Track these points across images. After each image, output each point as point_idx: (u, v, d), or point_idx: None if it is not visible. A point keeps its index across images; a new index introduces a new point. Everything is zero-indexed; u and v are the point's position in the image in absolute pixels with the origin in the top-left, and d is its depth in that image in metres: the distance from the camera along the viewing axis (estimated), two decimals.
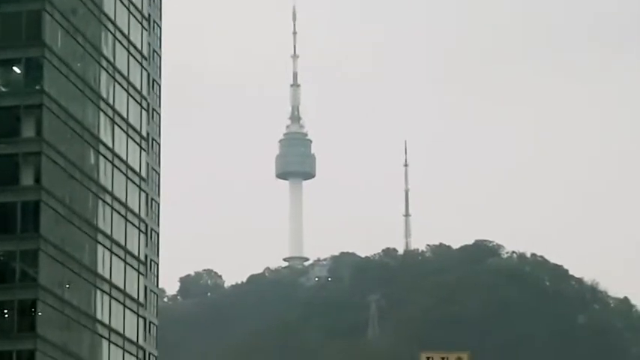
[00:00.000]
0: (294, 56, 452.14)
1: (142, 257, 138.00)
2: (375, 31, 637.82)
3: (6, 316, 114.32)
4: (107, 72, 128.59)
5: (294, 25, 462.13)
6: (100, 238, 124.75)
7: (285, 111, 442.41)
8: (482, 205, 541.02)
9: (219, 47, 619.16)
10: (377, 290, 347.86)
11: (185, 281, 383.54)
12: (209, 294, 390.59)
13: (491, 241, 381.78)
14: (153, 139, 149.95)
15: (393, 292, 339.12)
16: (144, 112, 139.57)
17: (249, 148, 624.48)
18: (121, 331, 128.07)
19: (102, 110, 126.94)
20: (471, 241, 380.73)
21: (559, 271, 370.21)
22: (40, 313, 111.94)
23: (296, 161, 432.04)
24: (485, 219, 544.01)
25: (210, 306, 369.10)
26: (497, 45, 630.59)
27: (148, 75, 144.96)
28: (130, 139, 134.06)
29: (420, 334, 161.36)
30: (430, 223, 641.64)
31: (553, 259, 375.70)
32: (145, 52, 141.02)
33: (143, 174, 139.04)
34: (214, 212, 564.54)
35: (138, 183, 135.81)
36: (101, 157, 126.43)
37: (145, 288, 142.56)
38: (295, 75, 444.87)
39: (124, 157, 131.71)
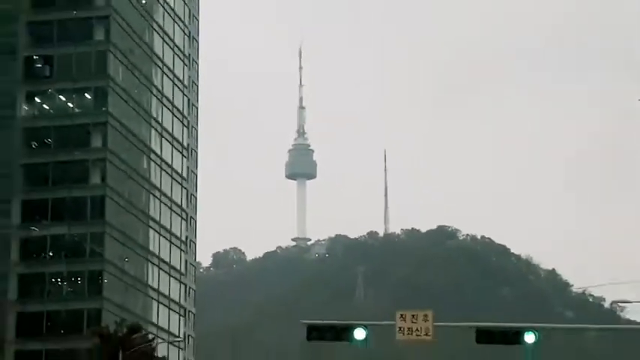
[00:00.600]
0: (300, 85, 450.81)
1: (183, 238, 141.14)
2: (365, 60, 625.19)
3: (79, 282, 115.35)
4: (157, 98, 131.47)
5: (300, 60, 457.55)
6: (151, 223, 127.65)
7: (293, 128, 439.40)
8: (444, 198, 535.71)
9: (244, 79, 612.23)
10: (363, 264, 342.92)
11: (216, 256, 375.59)
12: (234, 266, 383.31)
13: (450, 226, 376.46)
14: (192, 149, 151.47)
15: (375, 266, 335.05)
16: (184, 128, 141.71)
17: (266, 156, 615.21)
18: (167, 294, 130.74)
19: (152, 127, 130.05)
20: (434, 226, 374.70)
21: (502, 250, 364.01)
22: (105, 281, 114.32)
23: (301, 166, 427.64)
24: (446, 209, 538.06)
25: (235, 275, 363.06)
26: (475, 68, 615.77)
27: (188, 100, 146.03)
28: (174, 149, 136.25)
29: (396, 297, 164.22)
30: (403, 212, 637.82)
31: (497, 239, 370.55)
32: (185, 82, 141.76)
33: (184, 175, 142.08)
34: (239, 204, 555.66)
35: (180, 182, 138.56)
36: (152, 163, 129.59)
37: (186, 261, 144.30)
38: (301, 100, 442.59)
39: (170, 162, 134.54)
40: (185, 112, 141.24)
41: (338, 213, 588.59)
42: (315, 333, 40.68)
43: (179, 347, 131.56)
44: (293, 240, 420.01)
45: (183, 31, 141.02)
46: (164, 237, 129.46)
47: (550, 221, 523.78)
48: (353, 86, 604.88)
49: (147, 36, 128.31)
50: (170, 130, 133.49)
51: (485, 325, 42.08)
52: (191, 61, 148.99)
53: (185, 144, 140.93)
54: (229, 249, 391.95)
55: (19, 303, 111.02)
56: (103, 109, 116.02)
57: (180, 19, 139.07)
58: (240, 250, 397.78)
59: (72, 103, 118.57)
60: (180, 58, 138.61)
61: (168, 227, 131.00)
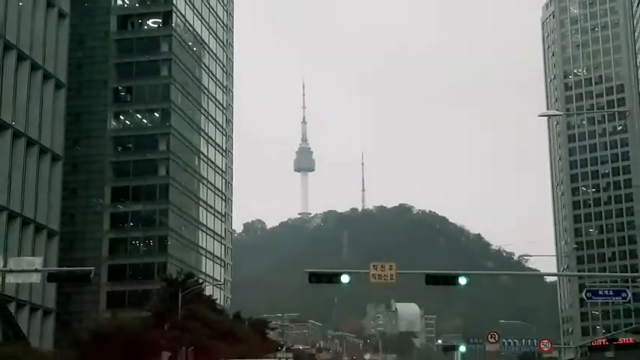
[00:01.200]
0: (304, 107, 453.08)
1: (223, 212, 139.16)
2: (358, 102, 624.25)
3: (151, 244, 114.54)
4: (204, 115, 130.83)
5: (303, 88, 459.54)
6: (201, 203, 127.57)
7: (299, 136, 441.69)
8: (403, 183, 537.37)
9: (262, 103, 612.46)
10: (347, 230, 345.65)
11: (246, 226, 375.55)
12: (258, 232, 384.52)
13: (408, 204, 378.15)
14: (228, 150, 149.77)
15: (355, 232, 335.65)
16: (223, 136, 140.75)
17: (280, 156, 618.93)
18: (212, 252, 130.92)
19: (201, 136, 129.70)
20: (397, 204, 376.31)
21: (444, 220, 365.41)
22: (169, 243, 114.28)
23: (304, 162, 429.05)
24: (405, 191, 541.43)
25: (259, 238, 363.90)
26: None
27: (226, 117, 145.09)
28: (216, 151, 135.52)
29: (370, 254, 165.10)
30: (375, 194, 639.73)
31: (440, 213, 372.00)
32: (224, 105, 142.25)
33: (223, 169, 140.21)
34: (262, 189, 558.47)
35: (220, 173, 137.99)
36: (201, 161, 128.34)
37: (225, 229, 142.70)
38: (304, 117, 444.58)
39: (213, 159, 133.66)
40: (224, 125, 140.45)
41: (330, 195, 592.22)
42: (314, 278, 40.93)
43: (221, 288, 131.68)
44: (299, 214, 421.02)
45: (222, 69, 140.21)
46: (209, 212, 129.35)
47: (478, 198, 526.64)
48: (345, 103, 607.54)
49: (197, 72, 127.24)
50: (214, 137, 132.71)
51: (432, 272, 42.31)
52: (227, 89, 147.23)
53: (224, 147, 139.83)
54: (255, 220, 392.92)
55: (109, 258, 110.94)
56: (167, 123, 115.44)
57: (220, 60, 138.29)
58: (262, 221, 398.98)
59: (145, 120, 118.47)
60: (220, 88, 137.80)
61: (213, 205, 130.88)
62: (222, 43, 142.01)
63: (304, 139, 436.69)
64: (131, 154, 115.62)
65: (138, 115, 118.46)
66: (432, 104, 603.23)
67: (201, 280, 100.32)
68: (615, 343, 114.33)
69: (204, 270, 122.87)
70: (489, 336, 67.61)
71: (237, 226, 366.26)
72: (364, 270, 40.25)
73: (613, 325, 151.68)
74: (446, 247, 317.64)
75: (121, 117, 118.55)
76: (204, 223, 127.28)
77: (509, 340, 71.83)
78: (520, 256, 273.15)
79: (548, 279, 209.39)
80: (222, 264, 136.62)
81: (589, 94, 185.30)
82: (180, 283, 79.27)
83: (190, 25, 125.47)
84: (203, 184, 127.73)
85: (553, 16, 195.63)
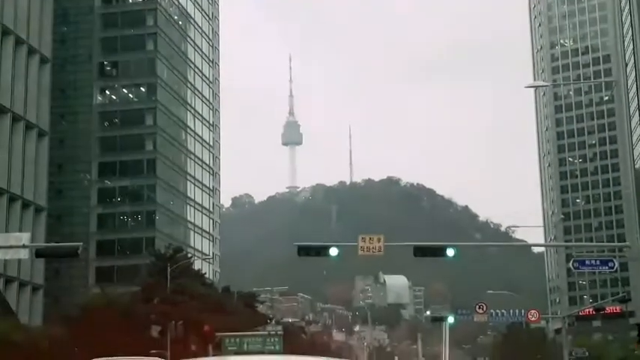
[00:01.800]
0: (290, 81, 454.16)
1: (211, 187, 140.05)
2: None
3: (139, 218, 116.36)
4: (190, 90, 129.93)
5: (290, 63, 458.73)
6: (188, 177, 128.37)
7: (286, 109, 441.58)
8: (391, 156, 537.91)
9: (252, 75, 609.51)
10: (335, 203, 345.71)
11: (234, 199, 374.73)
12: (246, 206, 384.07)
13: (395, 176, 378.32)
14: (215, 125, 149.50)
15: (344, 205, 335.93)
16: (210, 110, 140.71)
17: (268, 130, 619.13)
18: (200, 226, 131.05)
19: (188, 110, 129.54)
20: (384, 177, 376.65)
21: (431, 192, 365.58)
22: (157, 217, 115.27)
23: (292, 136, 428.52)
24: (392, 164, 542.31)
25: (247, 213, 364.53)
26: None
27: (213, 91, 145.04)
28: (203, 125, 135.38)
29: (358, 226, 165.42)
30: (363, 167, 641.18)
31: (428, 185, 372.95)
32: (210, 79, 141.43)
33: (210, 143, 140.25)
34: (250, 163, 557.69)
35: (208, 148, 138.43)
36: (188, 135, 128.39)
37: (213, 203, 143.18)
38: (291, 90, 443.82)
39: (200, 134, 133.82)
40: (210, 99, 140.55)
41: (318, 169, 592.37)
42: (303, 251, 41.02)
43: (209, 263, 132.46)
44: (287, 188, 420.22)
45: (208, 43, 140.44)
46: (197, 186, 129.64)
47: (465, 170, 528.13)
48: (332, 77, 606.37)
49: (183, 46, 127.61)
50: (201, 111, 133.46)
51: (420, 244, 42.46)
52: (214, 63, 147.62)
53: (211, 122, 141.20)
54: (243, 194, 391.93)
55: (98, 233, 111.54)
56: (153, 98, 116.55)
57: (206, 34, 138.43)
58: (250, 195, 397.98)
59: (131, 94, 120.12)
60: (206, 62, 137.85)
61: (200, 179, 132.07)
62: (208, 16, 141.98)
63: (291, 113, 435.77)
64: (118, 129, 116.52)
65: (124, 90, 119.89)
66: (419, 77, 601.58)
67: (189, 255, 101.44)
68: (602, 312, 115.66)
69: (192, 244, 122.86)
70: (477, 307, 68.03)
71: (226, 201, 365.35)
72: (352, 243, 40.35)
73: (600, 295, 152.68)
74: (434, 220, 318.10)
75: (107, 92, 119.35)
76: (192, 198, 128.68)
77: (497, 311, 72.24)
78: (507, 227, 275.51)
79: (536, 250, 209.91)
80: (211, 238, 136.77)
81: (576, 64, 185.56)
82: (169, 258, 79.67)
83: None
84: (190, 158, 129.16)
85: None
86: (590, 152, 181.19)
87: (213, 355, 52.23)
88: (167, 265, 74.73)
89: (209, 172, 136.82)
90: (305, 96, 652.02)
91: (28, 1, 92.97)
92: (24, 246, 37.35)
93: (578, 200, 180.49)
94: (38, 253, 43.83)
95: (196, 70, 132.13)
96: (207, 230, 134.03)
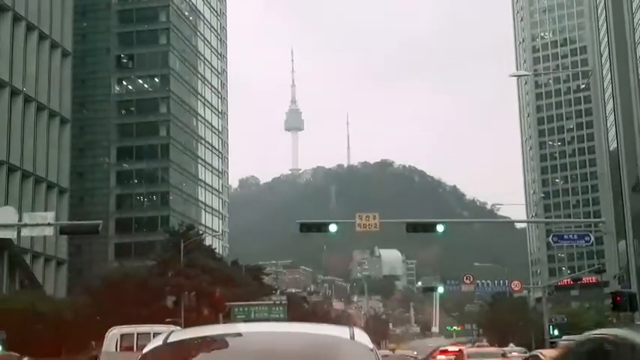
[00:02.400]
0: (292, 71, 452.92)
1: (220, 169, 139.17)
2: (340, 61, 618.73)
3: (154, 198, 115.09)
4: (201, 80, 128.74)
5: (292, 54, 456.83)
6: (199, 160, 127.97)
7: (288, 98, 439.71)
8: (385, 140, 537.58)
9: (255, 68, 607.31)
10: (334, 184, 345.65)
11: (241, 181, 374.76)
12: (253, 188, 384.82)
13: (389, 159, 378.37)
14: (224, 112, 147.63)
15: (342, 186, 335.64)
16: (219, 99, 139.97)
17: (272, 117, 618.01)
18: (210, 205, 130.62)
19: (199, 99, 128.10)
20: (379, 159, 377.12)
21: (422, 173, 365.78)
22: (171, 197, 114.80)
23: (294, 122, 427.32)
24: (386, 147, 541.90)
25: (253, 193, 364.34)
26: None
27: (221, 81, 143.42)
28: (212, 113, 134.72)
29: (356, 206, 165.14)
30: (359, 150, 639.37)
31: (419, 167, 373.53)
32: (219, 70, 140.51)
33: (219, 128, 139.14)
34: (255, 147, 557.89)
35: (217, 133, 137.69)
36: (199, 122, 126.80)
37: (222, 184, 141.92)
38: (293, 80, 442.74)
39: (210, 120, 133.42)
40: (219, 89, 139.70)
41: (318, 152, 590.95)
42: (305, 227, 40.96)
43: (219, 239, 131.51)
44: (290, 170, 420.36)
45: (217, 37, 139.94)
46: (207, 169, 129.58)
47: (454, 153, 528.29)
48: (331, 68, 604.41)
49: (193, 40, 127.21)
50: (210, 100, 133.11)
51: (412, 220, 42.44)
52: (222, 56, 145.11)
53: (220, 109, 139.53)
54: (249, 176, 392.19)
55: (116, 212, 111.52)
56: (167, 88, 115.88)
57: (214, 29, 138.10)
58: (256, 177, 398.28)
59: (146, 85, 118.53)
60: (215, 54, 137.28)
61: (210, 162, 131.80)
62: (217, 12, 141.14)
63: (293, 101, 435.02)
64: (134, 116, 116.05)
65: (139, 81, 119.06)
66: (412, 67, 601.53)
67: (201, 231, 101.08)
68: (579, 282, 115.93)
69: (203, 222, 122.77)
70: (465, 278, 68.10)
71: (233, 182, 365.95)
72: (350, 220, 40.39)
73: (577, 266, 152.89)
74: (424, 198, 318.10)
75: (124, 82, 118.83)
76: (203, 179, 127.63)
77: (483, 282, 72.24)
78: (492, 205, 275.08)
79: (518, 225, 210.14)
80: (220, 216, 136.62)
81: (555, 55, 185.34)
82: (182, 234, 79.46)
83: None
84: (201, 143, 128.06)
85: None
86: (568, 136, 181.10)
87: (224, 323, 52.46)
88: (180, 241, 74.64)
89: (218, 156, 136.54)
90: (306, 85, 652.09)
91: None
92: (49, 224, 37.32)
93: (557, 180, 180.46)
94: (62, 231, 43.82)
95: (206, 62, 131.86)
96: (217, 209, 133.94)
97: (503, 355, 42.86)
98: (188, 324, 58.38)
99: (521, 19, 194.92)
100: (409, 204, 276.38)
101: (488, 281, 73.18)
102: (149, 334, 27.33)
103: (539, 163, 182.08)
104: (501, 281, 72.87)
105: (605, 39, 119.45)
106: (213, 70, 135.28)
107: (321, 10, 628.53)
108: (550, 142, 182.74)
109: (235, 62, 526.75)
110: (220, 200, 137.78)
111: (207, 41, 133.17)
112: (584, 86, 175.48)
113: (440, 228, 40.56)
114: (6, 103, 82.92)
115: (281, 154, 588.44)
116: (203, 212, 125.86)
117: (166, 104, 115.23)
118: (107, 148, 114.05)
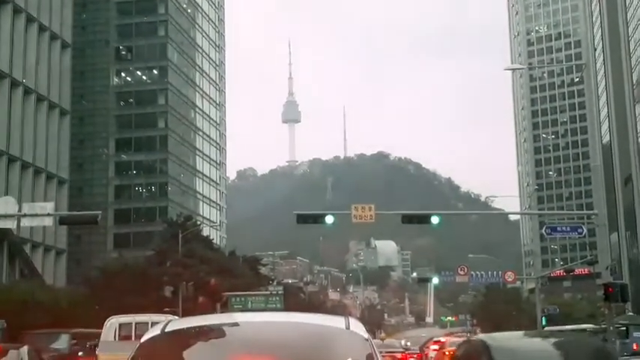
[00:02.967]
0: (290, 64, 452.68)
1: (218, 161, 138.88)
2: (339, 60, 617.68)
3: (153, 189, 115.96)
4: (199, 72, 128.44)
5: (289, 47, 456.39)
6: (197, 152, 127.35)
7: (286, 90, 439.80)
8: (381, 132, 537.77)
9: (253, 60, 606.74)
10: (331, 176, 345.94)
11: (239, 172, 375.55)
12: (250, 179, 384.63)
13: (385, 151, 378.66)
14: (222, 104, 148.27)
15: (338, 177, 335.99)
16: (217, 91, 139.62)
17: (270, 108, 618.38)
18: (208, 196, 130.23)
19: (197, 91, 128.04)
20: (375, 152, 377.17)
21: (418, 165, 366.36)
22: (169, 188, 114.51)
23: (291, 114, 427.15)
24: (382, 139, 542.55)
25: (251, 185, 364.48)
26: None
27: (219, 74, 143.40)
28: (210, 105, 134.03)
29: (352, 197, 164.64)
30: (356, 142, 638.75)
31: (415, 159, 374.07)
32: (217, 62, 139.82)
33: (217, 120, 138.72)
34: (253, 138, 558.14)
35: (215, 125, 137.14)
36: (197, 114, 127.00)
37: (220, 176, 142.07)
38: (290, 73, 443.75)
39: (208, 112, 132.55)
40: (217, 81, 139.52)
41: (315, 144, 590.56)
42: (302, 219, 40.96)
43: (217, 229, 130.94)
44: (287, 162, 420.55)
45: (215, 30, 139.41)
46: (205, 160, 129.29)
47: (449, 146, 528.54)
48: (329, 59, 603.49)
49: (191, 32, 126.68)
50: (208, 92, 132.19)
51: (407, 212, 42.50)
52: (220, 48, 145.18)
53: (218, 101, 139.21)
54: (247, 168, 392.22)
55: (115, 203, 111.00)
56: (165, 80, 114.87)
57: (212, 21, 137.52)
58: (253, 169, 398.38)
59: (145, 76, 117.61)
60: (213, 47, 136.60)
61: (208, 154, 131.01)
62: (214, 4, 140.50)
63: (291, 93, 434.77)
64: (132, 108, 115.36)
65: (138, 72, 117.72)
66: (406, 61, 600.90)
67: (199, 222, 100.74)
68: (572, 273, 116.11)
69: (201, 213, 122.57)
70: (459, 269, 68.19)
71: (231, 173, 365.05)
72: (346, 211, 40.38)
73: (570, 258, 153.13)
74: (420, 190, 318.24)
75: (123, 74, 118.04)
76: (201, 171, 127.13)
77: (477, 273, 72.36)
78: (487, 197, 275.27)
79: (512, 217, 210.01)
80: (218, 207, 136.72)
81: (549, 49, 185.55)
82: (180, 225, 79.31)
83: None
84: (199, 135, 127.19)
85: None
86: (561, 129, 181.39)
87: (221, 313, 52.44)
88: (178, 231, 74.53)
89: (216, 148, 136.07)
90: (303, 77, 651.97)
91: None
92: (48, 214, 37.24)
93: (550, 172, 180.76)
94: (61, 221, 43.84)
95: (204, 54, 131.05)
96: (215, 200, 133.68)
97: None
98: (186, 314, 58.39)
99: (517, 13, 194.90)
100: (405, 195, 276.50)
101: (483, 272, 73.31)
102: (147, 323, 27.24)
103: (533, 156, 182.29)
104: (495, 272, 73.00)
105: (599, 33, 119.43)
106: (211, 62, 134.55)
107: (318, 3, 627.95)
108: (544, 135, 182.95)
109: (233, 54, 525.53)
110: (218, 191, 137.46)
111: (205, 33, 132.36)
112: (577, 80, 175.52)
113: (435, 219, 40.59)
114: (6, 94, 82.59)
115: (278, 147, 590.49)
116: (201, 203, 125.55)
117: (164, 96, 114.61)
118: (106, 139, 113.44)
